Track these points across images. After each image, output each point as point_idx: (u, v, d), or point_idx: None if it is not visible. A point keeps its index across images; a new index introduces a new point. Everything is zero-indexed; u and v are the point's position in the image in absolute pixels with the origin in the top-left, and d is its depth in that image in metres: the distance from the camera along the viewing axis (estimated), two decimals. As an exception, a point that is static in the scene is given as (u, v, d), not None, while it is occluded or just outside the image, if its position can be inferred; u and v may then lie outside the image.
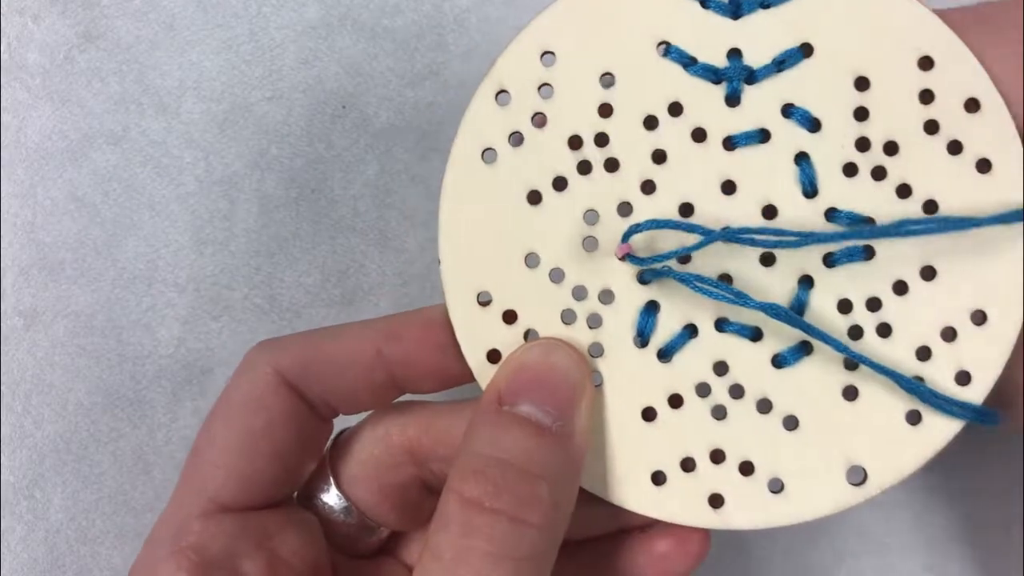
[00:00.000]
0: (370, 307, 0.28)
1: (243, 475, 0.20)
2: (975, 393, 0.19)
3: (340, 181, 0.29)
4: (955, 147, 0.19)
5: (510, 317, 0.20)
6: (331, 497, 0.21)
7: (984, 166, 0.19)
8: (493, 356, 0.20)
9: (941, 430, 0.19)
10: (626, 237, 0.19)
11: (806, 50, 0.19)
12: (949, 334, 0.19)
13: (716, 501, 0.19)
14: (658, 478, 0.19)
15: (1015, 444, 0.29)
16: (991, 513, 0.29)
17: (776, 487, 0.19)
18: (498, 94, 0.20)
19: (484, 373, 0.20)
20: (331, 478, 0.21)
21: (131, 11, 0.29)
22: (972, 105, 0.19)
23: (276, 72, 0.29)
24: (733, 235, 0.19)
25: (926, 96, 0.19)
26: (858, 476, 0.19)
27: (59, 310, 0.29)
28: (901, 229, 0.18)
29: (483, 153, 0.20)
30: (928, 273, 0.19)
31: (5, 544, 0.28)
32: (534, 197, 0.20)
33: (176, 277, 0.29)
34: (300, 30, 0.29)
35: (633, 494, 0.19)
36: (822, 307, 0.19)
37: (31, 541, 0.28)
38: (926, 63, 0.19)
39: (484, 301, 0.20)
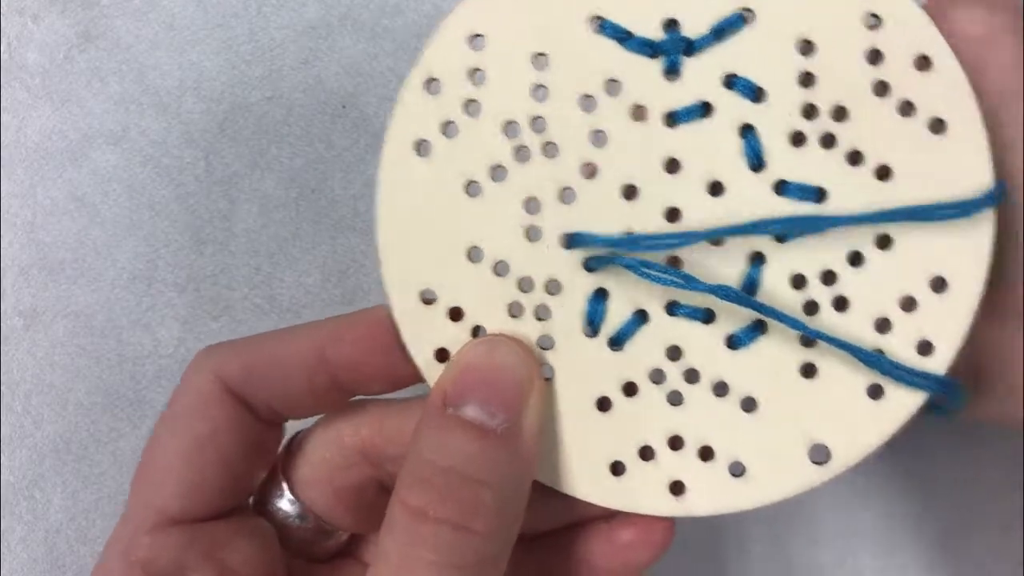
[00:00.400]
0: (370, 306, 0.28)
1: (191, 486, 0.20)
2: (938, 363, 0.18)
3: (340, 181, 0.29)
4: (907, 108, 0.18)
5: (456, 314, 0.19)
6: (285, 503, 0.21)
7: (938, 126, 0.18)
8: (441, 355, 0.19)
9: (904, 404, 0.18)
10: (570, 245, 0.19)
11: (747, 16, 0.18)
12: (908, 303, 0.18)
13: (677, 488, 0.19)
14: (617, 468, 0.19)
15: (1015, 443, 0.29)
16: (991, 513, 0.29)
17: (738, 471, 0.19)
18: (429, 83, 0.19)
19: (432, 373, 0.19)
20: (284, 483, 0.21)
21: (131, 11, 0.29)
22: (923, 63, 0.18)
23: (276, 72, 0.29)
24: (636, 245, 0.18)
25: (874, 56, 0.18)
26: (821, 455, 0.18)
27: (59, 310, 0.28)
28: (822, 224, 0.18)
29: (417, 146, 0.19)
30: (883, 242, 0.18)
31: (5, 544, 0.28)
32: (472, 188, 0.19)
33: (176, 277, 0.29)
34: (300, 30, 0.29)
35: (592, 486, 0.19)
36: (775, 284, 0.18)
37: (31, 541, 0.28)
38: (873, 21, 0.18)
39: (428, 299, 0.19)
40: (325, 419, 0.21)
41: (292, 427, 0.22)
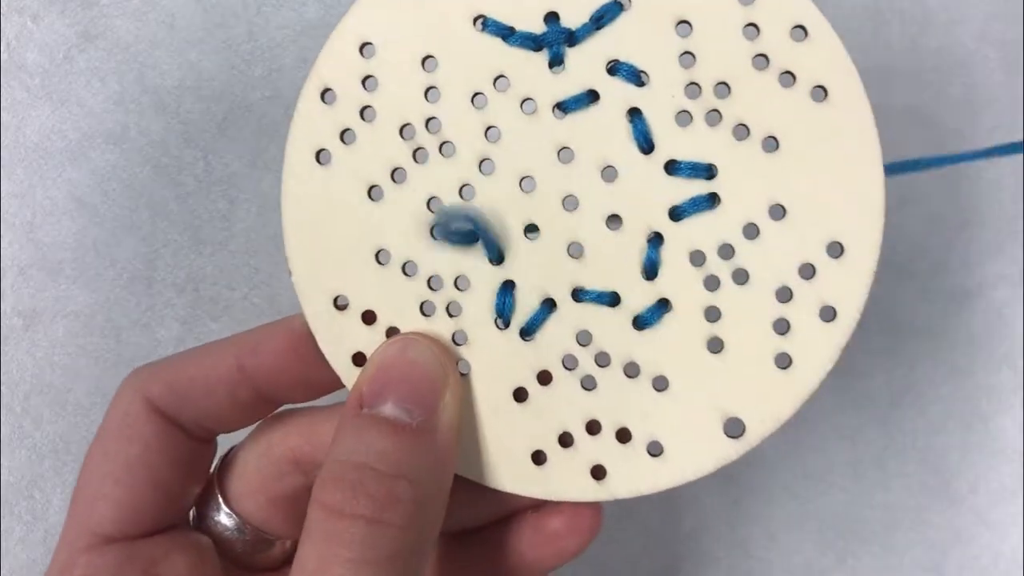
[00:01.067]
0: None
1: (124, 505, 0.20)
2: (842, 328, 0.18)
3: (340, 181, 0.29)
4: (787, 78, 0.18)
5: (369, 317, 0.19)
6: (222, 516, 0.21)
7: (820, 93, 0.18)
8: (358, 359, 0.19)
9: (814, 369, 0.18)
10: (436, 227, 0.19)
11: (623, 2, 0.18)
12: (808, 271, 0.18)
13: (599, 473, 0.19)
14: (538, 457, 0.19)
15: (1015, 446, 0.29)
16: (991, 514, 0.29)
17: (656, 450, 0.19)
18: (324, 93, 0.19)
19: (351, 377, 0.19)
20: (219, 497, 0.21)
21: (131, 11, 0.29)
22: (799, 32, 0.18)
23: (276, 72, 0.29)
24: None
25: (751, 31, 0.18)
26: (737, 428, 0.18)
27: (59, 310, 0.28)
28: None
29: (317, 155, 0.19)
30: (777, 212, 0.18)
31: (4, 544, 0.28)
32: (375, 192, 0.19)
33: (176, 277, 0.29)
34: (300, 30, 0.29)
35: (515, 477, 0.19)
36: (675, 262, 0.19)
37: (30, 541, 0.28)
38: None
39: (341, 305, 0.19)
40: (255, 431, 0.22)
41: (226, 442, 0.22)
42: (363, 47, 0.19)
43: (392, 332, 0.19)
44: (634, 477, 0.19)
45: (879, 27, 0.29)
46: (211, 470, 0.22)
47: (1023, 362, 0.29)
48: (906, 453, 0.29)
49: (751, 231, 0.18)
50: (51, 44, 0.29)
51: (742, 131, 0.18)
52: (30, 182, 0.29)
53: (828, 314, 0.18)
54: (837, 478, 0.29)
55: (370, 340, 0.19)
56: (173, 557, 0.20)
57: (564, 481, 0.19)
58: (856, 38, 0.21)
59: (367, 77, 0.19)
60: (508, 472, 0.19)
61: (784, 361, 0.18)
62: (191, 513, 0.22)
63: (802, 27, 0.18)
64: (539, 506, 0.21)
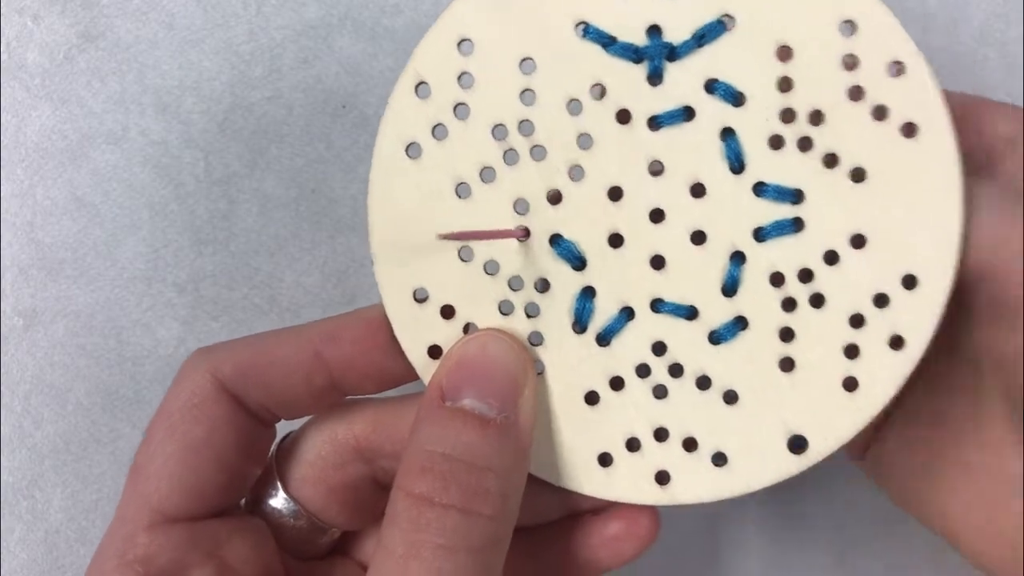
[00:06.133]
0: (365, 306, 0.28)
1: (187, 485, 0.20)
2: (908, 357, 0.19)
3: (340, 181, 0.29)
4: (880, 112, 0.18)
5: (448, 312, 0.20)
6: (279, 501, 0.21)
7: (910, 130, 0.18)
8: (434, 352, 0.20)
9: (877, 395, 0.19)
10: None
11: (727, 23, 0.19)
12: (881, 300, 0.19)
13: (662, 478, 0.19)
14: (605, 460, 0.20)
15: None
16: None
17: (720, 461, 0.19)
18: (418, 86, 0.19)
19: (427, 370, 0.20)
20: (278, 482, 0.21)
21: (131, 11, 0.29)
22: (896, 68, 0.18)
23: (276, 72, 0.29)
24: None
25: (849, 62, 0.18)
26: (800, 445, 0.19)
27: (59, 310, 0.28)
28: None
29: (407, 148, 0.19)
30: (858, 241, 0.19)
31: (4, 544, 0.28)
32: (462, 189, 0.19)
33: (176, 277, 0.29)
34: (300, 30, 0.29)
35: (582, 477, 0.20)
36: (755, 281, 0.19)
37: (30, 541, 0.28)
38: (848, 28, 0.18)
39: (421, 298, 0.20)
40: (317, 419, 0.22)
41: (281, 431, 0.22)
42: (461, 43, 0.19)
43: (469, 328, 0.20)
44: (697, 485, 0.19)
45: (879, 27, 0.29)
46: (269, 455, 0.22)
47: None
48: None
49: (831, 257, 0.19)
50: (51, 44, 0.29)
51: (831, 160, 0.19)
52: (30, 182, 0.29)
53: (897, 343, 0.19)
54: (837, 478, 0.29)
55: (447, 334, 0.20)
56: (235, 540, 0.20)
57: (628, 484, 0.20)
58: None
59: (463, 74, 0.19)
60: (575, 472, 0.20)
61: (851, 385, 0.19)
62: (242, 500, 0.22)
63: (899, 63, 0.18)
64: (599, 510, 0.21)
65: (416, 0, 0.29)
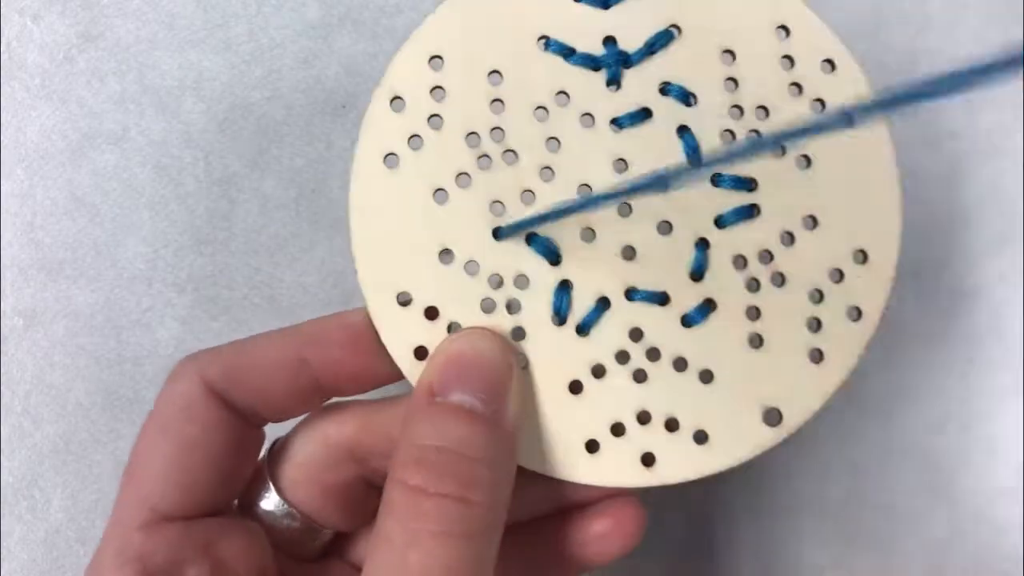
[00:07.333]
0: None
1: (181, 484, 0.20)
2: (866, 325, 0.20)
3: (340, 181, 0.29)
4: (818, 105, 0.20)
5: (432, 313, 0.20)
6: (271, 503, 0.22)
7: (848, 120, 0.20)
8: (420, 353, 0.20)
9: (842, 364, 0.20)
10: (504, 233, 0.20)
11: (674, 32, 0.21)
12: (836, 275, 0.20)
13: (648, 460, 0.20)
14: (592, 446, 0.20)
15: (1015, 446, 0.29)
16: (991, 514, 0.29)
17: (701, 438, 0.20)
18: (393, 100, 0.21)
19: (413, 370, 0.20)
20: (270, 484, 0.22)
21: (131, 11, 0.29)
22: (828, 65, 0.20)
23: (276, 72, 0.29)
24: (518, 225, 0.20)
25: (786, 62, 0.21)
26: (774, 417, 0.20)
27: (59, 310, 0.28)
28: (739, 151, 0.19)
29: (385, 159, 0.21)
30: (810, 222, 0.20)
31: (4, 545, 0.28)
32: (440, 196, 0.20)
33: (176, 277, 0.29)
34: (300, 30, 0.29)
35: (570, 465, 0.20)
36: (720, 265, 0.20)
37: (30, 541, 0.28)
38: (783, 32, 0.21)
39: (404, 301, 0.20)
40: (308, 420, 0.22)
41: (271, 435, 0.22)
42: (431, 59, 0.21)
43: (453, 327, 0.20)
44: (681, 464, 0.20)
45: (879, 27, 0.29)
46: (259, 458, 0.22)
47: (1023, 362, 0.29)
48: (906, 453, 0.29)
49: (787, 239, 0.20)
50: (51, 44, 0.29)
51: (779, 150, 0.21)
52: (30, 182, 0.29)
53: (854, 314, 0.20)
54: (836, 478, 0.29)
55: (431, 335, 0.20)
56: (229, 539, 0.20)
57: (616, 469, 0.20)
58: (856, 39, 0.21)
59: (435, 87, 0.21)
60: (564, 461, 0.20)
61: (816, 356, 0.20)
62: (234, 501, 0.22)
63: (830, 61, 0.21)
64: (587, 503, 0.22)
65: (416, 0, 0.29)
